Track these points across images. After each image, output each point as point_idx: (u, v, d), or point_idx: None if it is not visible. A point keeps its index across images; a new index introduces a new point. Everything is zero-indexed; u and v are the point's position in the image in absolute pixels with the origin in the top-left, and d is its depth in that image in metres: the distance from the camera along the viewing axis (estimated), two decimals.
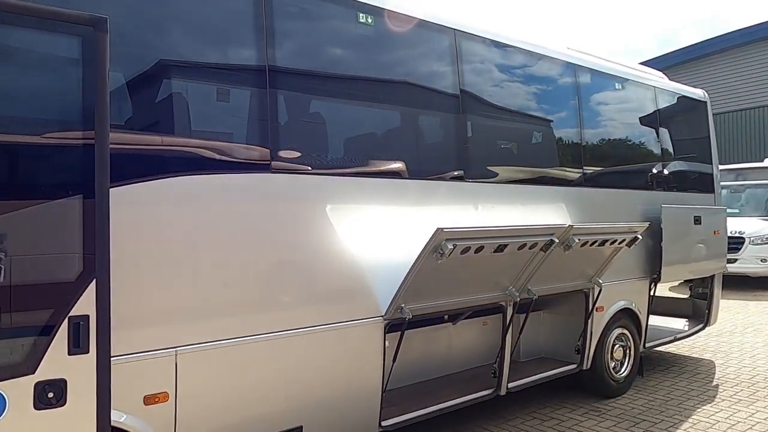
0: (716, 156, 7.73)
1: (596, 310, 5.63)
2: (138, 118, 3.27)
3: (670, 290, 10.18)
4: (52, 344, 2.51)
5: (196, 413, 3.24)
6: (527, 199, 5.16)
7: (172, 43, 3.37)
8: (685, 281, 8.46)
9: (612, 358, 6.05)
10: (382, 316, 3.97)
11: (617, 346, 6.12)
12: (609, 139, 6.41)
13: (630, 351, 6.28)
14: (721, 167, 8.68)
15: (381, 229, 4.06)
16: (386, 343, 4.02)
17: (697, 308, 7.70)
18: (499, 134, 5.40)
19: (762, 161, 15.44)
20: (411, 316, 3.97)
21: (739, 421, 5.33)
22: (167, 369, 3.11)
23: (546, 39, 5.74)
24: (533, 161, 5.55)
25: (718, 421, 5.34)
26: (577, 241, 4.61)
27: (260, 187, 3.55)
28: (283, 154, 3.67)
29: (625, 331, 6.21)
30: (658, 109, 6.95)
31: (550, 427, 5.21)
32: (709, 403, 5.84)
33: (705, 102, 7.67)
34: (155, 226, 3.12)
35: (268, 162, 3.57)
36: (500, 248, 4.11)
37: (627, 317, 6.21)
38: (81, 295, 2.55)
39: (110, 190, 2.63)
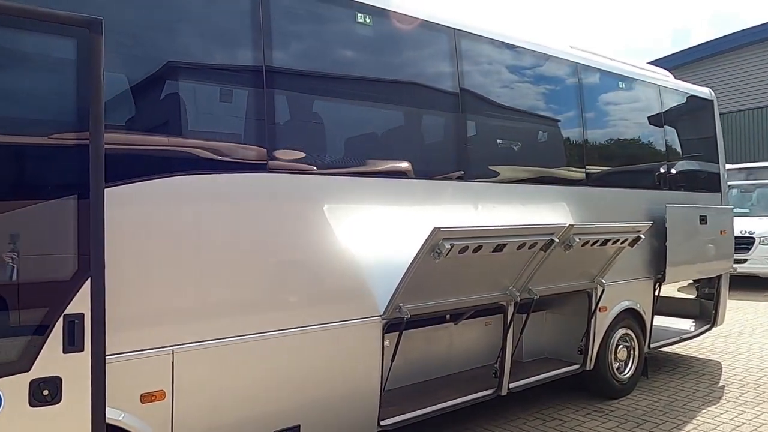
0: (723, 155, 7.66)
1: (599, 310, 5.60)
2: (133, 118, 3.29)
3: (678, 290, 10.10)
4: (47, 342, 2.55)
5: (193, 411, 3.26)
6: (529, 198, 5.14)
7: (169, 43, 3.40)
8: (693, 281, 8.40)
9: (616, 358, 6.01)
10: (380, 315, 3.97)
11: (621, 346, 6.08)
12: (612, 139, 6.37)
13: (634, 351, 6.23)
14: (732, 166, 8.61)
15: (379, 229, 4.06)
16: (385, 342, 4.02)
17: (704, 309, 7.63)
18: (500, 134, 5.38)
19: None
20: (409, 316, 3.97)
21: (743, 423, 5.28)
22: (164, 367, 3.13)
23: (548, 38, 5.71)
24: (535, 161, 5.52)
25: (723, 423, 5.29)
26: (578, 240, 4.59)
27: (257, 186, 3.56)
28: (279, 154, 3.68)
29: (629, 332, 6.17)
30: (663, 108, 6.89)
31: (552, 428, 5.19)
32: (714, 404, 5.79)
33: (711, 101, 7.60)
34: (152, 225, 3.14)
35: (265, 162, 3.58)
36: (499, 248, 4.09)
37: (631, 317, 6.16)
38: (76, 293, 2.59)
39: (105, 190, 2.67)
